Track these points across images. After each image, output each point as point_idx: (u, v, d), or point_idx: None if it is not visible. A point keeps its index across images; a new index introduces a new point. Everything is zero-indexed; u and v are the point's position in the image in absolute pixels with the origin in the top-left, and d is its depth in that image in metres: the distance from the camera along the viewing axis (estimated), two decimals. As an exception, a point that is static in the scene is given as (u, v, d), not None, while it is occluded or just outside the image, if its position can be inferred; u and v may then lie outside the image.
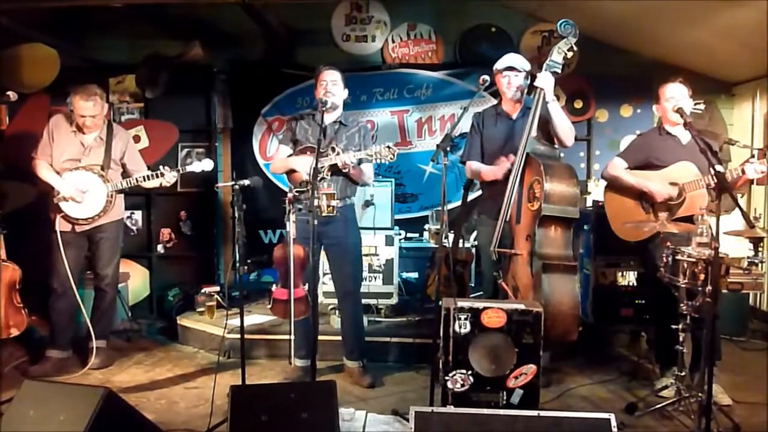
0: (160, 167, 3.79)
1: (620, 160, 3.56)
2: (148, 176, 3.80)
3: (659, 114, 3.54)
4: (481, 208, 3.76)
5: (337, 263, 3.63)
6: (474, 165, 3.63)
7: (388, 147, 3.32)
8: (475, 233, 4.26)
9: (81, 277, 4.01)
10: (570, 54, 3.33)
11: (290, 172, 3.53)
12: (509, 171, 3.34)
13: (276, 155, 3.72)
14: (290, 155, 3.57)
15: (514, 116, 3.55)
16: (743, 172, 3.13)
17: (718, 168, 2.77)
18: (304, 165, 3.41)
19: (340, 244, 3.55)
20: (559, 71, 3.32)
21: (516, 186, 3.31)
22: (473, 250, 4.41)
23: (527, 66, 3.52)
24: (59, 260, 3.66)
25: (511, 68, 3.48)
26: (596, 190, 4.99)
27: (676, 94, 3.36)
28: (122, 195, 3.97)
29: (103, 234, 3.86)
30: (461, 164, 3.79)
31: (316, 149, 3.14)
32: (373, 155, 3.36)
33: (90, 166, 3.73)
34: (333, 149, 3.36)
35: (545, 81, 3.29)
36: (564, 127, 3.39)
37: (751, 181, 3.20)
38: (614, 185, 3.58)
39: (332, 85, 3.46)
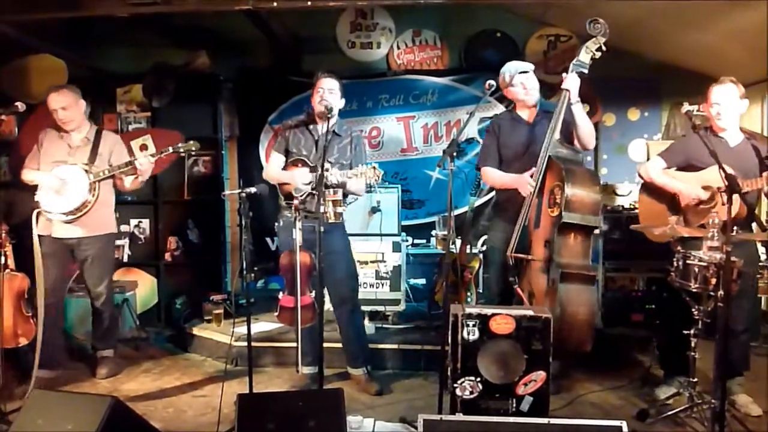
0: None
1: (659, 159, 3.40)
2: (126, 163, 3.68)
3: (707, 116, 3.29)
4: (495, 212, 3.70)
5: (329, 272, 3.55)
6: (492, 172, 3.54)
7: (374, 168, 3.28)
8: (483, 238, 4.24)
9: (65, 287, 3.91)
10: (599, 54, 3.23)
11: (282, 184, 3.52)
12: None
13: (269, 163, 3.69)
14: (283, 166, 3.55)
15: (532, 121, 3.50)
16: None
17: (729, 171, 2.71)
18: (293, 178, 3.42)
19: (331, 252, 3.49)
20: (586, 72, 3.24)
21: (537, 189, 3.25)
22: (481, 255, 4.38)
23: (532, 67, 3.48)
24: (37, 271, 3.47)
25: (524, 72, 3.43)
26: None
27: (721, 100, 3.15)
28: (112, 208, 3.86)
29: (88, 250, 3.73)
30: (477, 170, 3.72)
31: (322, 157, 3.14)
32: (359, 175, 3.32)
33: (74, 162, 3.68)
34: (323, 165, 3.31)
35: (571, 82, 3.22)
36: (587, 129, 3.34)
37: None
38: (648, 186, 3.46)
39: (329, 93, 3.42)
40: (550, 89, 4.67)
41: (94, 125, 3.89)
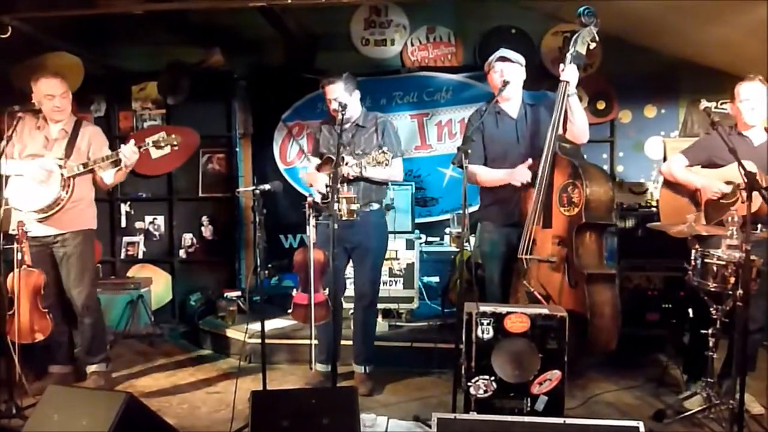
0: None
1: (681, 156, 3.37)
2: (105, 157, 3.42)
3: (733, 114, 3.28)
4: (483, 215, 3.53)
5: (356, 267, 3.64)
6: (481, 170, 3.38)
7: (383, 152, 3.21)
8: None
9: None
10: (593, 45, 3.17)
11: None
12: (532, 177, 3.17)
13: (308, 167, 3.75)
14: (318, 166, 3.59)
15: (516, 116, 3.38)
16: None
17: (748, 167, 2.67)
18: (317, 180, 3.46)
19: (362, 247, 3.54)
20: (582, 63, 3.18)
21: (544, 186, 3.13)
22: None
23: (522, 59, 3.37)
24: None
25: (503, 58, 3.32)
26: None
27: (752, 95, 3.13)
28: (90, 204, 3.62)
29: (63, 248, 3.49)
30: (459, 168, 3.32)
31: (336, 154, 3.14)
32: (371, 161, 3.26)
33: (49, 156, 3.45)
34: (343, 159, 3.27)
35: (571, 73, 3.14)
36: (583, 122, 3.26)
37: None
38: (670, 182, 3.42)
39: (336, 103, 3.41)
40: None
41: (73, 116, 3.63)
